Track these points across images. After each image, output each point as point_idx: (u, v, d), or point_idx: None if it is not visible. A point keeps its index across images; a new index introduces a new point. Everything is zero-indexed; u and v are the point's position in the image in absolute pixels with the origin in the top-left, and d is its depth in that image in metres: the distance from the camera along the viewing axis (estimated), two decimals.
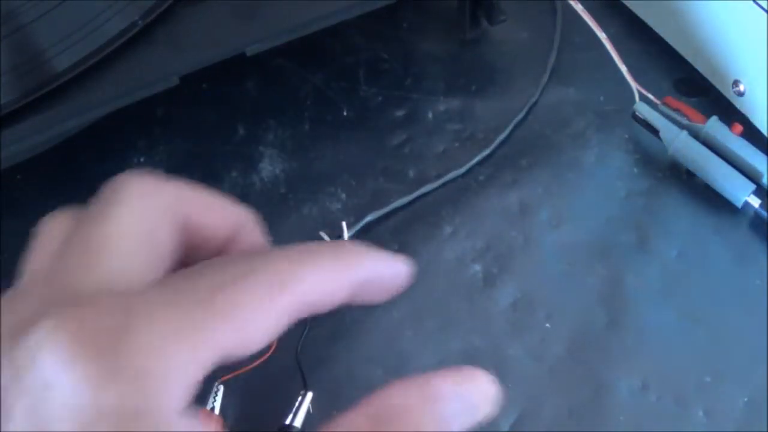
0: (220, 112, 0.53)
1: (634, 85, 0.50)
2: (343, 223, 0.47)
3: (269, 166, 0.51)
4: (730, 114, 0.51)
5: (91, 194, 0.55)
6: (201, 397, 0.43)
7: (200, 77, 0.48)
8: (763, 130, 0.50)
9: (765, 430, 0.43)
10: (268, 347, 0.46)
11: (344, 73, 0.54)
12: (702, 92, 0.53)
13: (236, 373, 0.44)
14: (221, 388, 0.44)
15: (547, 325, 0.45)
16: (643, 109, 0.50)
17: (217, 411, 0.43)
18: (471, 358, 0.45)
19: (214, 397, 0.44)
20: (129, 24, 0.48)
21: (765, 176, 0.49)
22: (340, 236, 0.47)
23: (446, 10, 0.55)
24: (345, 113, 0.53)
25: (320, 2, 0.48)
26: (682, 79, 0.54)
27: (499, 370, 0.44)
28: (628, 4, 0.56)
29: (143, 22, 0.48)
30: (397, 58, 0.55)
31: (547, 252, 0.48)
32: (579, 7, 0.51)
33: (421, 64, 0.54)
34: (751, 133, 0.51)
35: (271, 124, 0.53)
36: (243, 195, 0.50)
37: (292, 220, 0.49)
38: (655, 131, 0.50)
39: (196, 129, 0.53)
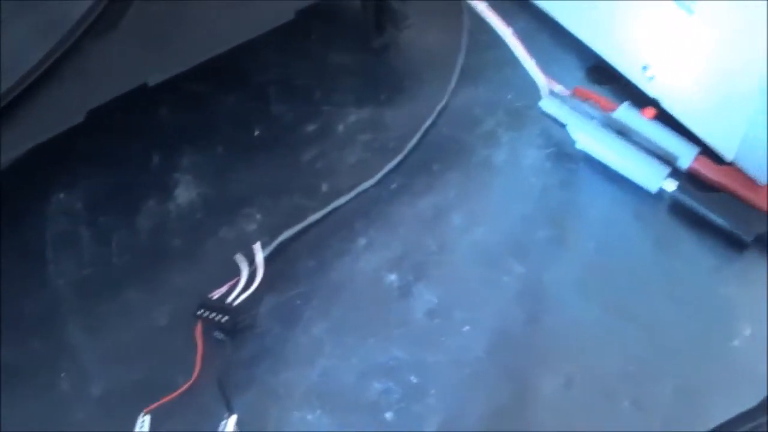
0: (136, 142, 0.53)
1: (540, 79, 0.50)
2: (256, 244, 0.47)
3: (185, 192, 0.51)
4: (644, 100, 0.51)
5: (13, 231, 0.55)
6: (128, 427, 0.43)
7: (115, 107, 0.48)
8: (674, 113, 0.50)
9: (695, 415, 0.43)
10: (191, 374, 0.46)
11: (256, 92, 0.55)
12: (614, 79, 0.53)
13: (162, 401, 0.44)
14: (147, 417, 0.44)
15: (466, 328, 0.45)
16: (548, 105, 0.50)
17: None
18: (392, 369, 0.44)
19: (141, 427, 0.44)
20: (36, 63, 0.48)
21: (680, 158, 0.49)
22: (253, 259, 0.47)
23: (354, 20, 0.55)
24: (257, 133, 0.53)
25: (223, 28, 0.49)
26: (593, 68, 0.53)
27: (421, 378, 0.44)
28: None
29: (50, 60, 0.48)
30: (307, 72, 0.55)
31: (463, 255, 0.48)
32: (481, 6, 0.51)
33: (331, 76, 0.54)
34: (666, 117, 0.51)
35: (185, 150, 0.53)
36: (160, 223, 0.50)
37: (208, 244, 0.49)
38: (563, 125, 0.50)
39: (114, 160, 0.53)
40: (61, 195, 0.52)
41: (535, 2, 0.56)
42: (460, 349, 0.45)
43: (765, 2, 0.42)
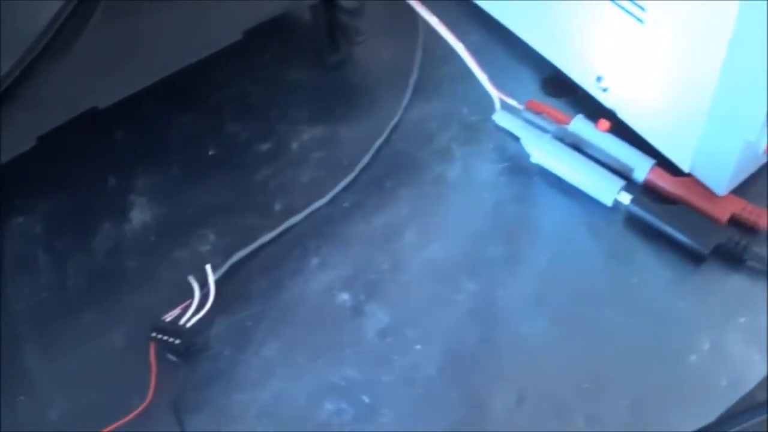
0: (93, 164, 0.53)
1: (494, 93, 0.50)
2: (207, 266, 0.47)
3: (140, 215, 0.51)
4: (601, 111, 0.50)
5: None
6: None
7: (71, 130, 0.48)
8: (630, 124, 0.50)
9: None
10: (146, 397, 0.46)
11: (210, 111, 0.54)
12: (569, 91, 0.52)
13: (116, 424, 0.44)
14: None
15: (418, 347, 0.45)
16: (501, 119, 0.49)
17: None
18: (344, 389, 0.44)
19: None
20: None
21: (635, 170, 0.49)
22: (206, 280, 0.47)
23: (308, 36, 0.55)
24: (211, 152, 0.53)
25: (172, 50, 0.48)
26: (548, 80, 0.53)
27: (373, 398, 0.44)
28: (488, 10, 0.56)
29: (2, 85, 0.48)
30: (261, 90, 0.55)
31: (415, 273, 0.47)
32: (434, 21, 0.51)
33: (286, 94, 0.54)
34: (623, 127, 0.50)
35: (140, 172, 0.53)
36: (115, 246, 0.50)
37: (163, 266, 0.49)
38: (518, 139, 0.49)
39: (71, 184, 0.53)
40: (20, 219, 0.52)
41: (490, 13, 0.56)
42: (412, 367, 0.45)
43: (713, 12, 0.41)
